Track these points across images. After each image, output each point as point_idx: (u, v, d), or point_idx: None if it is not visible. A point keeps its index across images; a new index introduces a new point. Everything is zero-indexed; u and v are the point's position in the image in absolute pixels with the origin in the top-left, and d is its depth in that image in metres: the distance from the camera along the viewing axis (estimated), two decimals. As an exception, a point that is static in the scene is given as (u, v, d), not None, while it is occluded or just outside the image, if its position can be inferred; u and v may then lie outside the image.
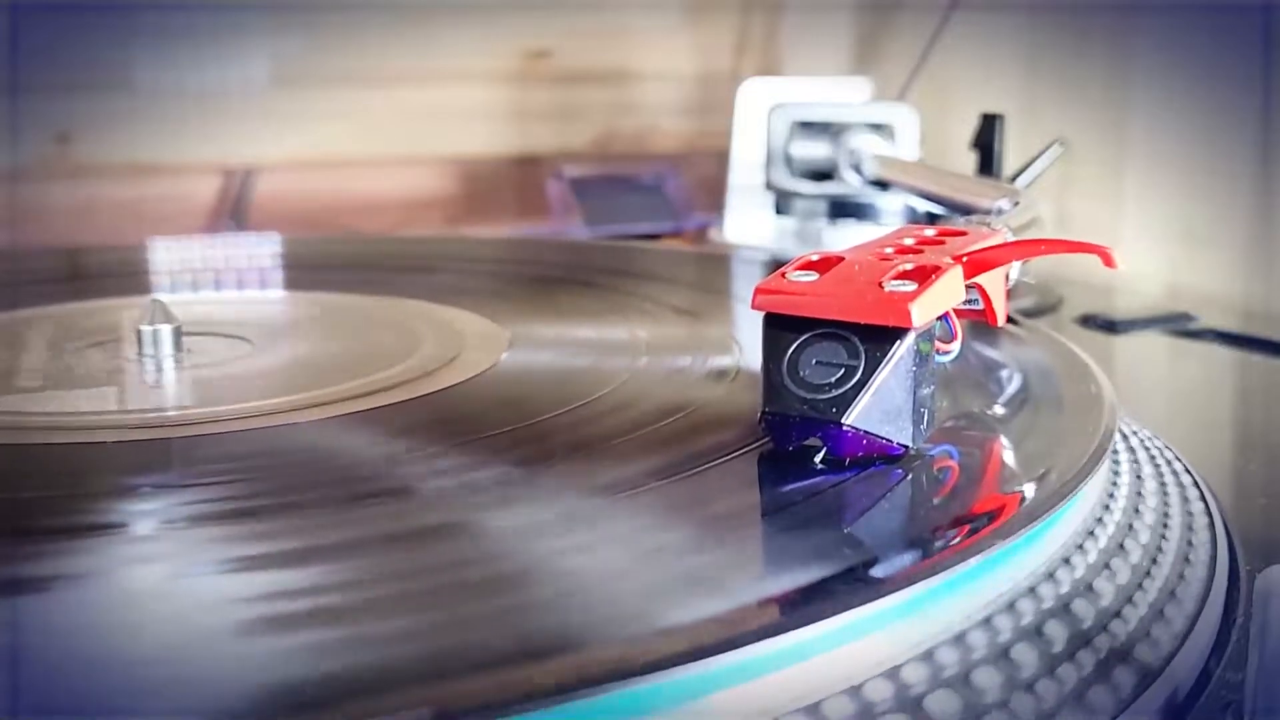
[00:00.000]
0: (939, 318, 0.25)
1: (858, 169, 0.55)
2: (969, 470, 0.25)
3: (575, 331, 0.39)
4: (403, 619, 0.18)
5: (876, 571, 0.20)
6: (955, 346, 0.26)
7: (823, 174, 0.58)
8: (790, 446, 0.24)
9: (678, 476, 0.24)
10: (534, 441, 0.27)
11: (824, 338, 0.24)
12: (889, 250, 0.27)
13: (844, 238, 0.57)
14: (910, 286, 0.24)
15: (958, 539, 0.21)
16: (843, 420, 0.23)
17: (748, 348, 0.34)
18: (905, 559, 0.21)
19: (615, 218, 0.73)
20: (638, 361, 0.34)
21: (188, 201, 0.73)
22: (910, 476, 0.24)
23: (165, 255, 0.55)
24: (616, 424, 0.28)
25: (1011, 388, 0.32)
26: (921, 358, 0.24)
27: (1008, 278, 0.29)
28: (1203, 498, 0.29)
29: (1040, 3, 0.69)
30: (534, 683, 0.16)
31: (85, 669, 0.17)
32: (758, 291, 0.24)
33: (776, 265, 0.26)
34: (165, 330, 0.34)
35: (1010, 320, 0.35)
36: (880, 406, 0.24)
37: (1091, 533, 0.24)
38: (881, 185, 0.54)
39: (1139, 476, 0.28)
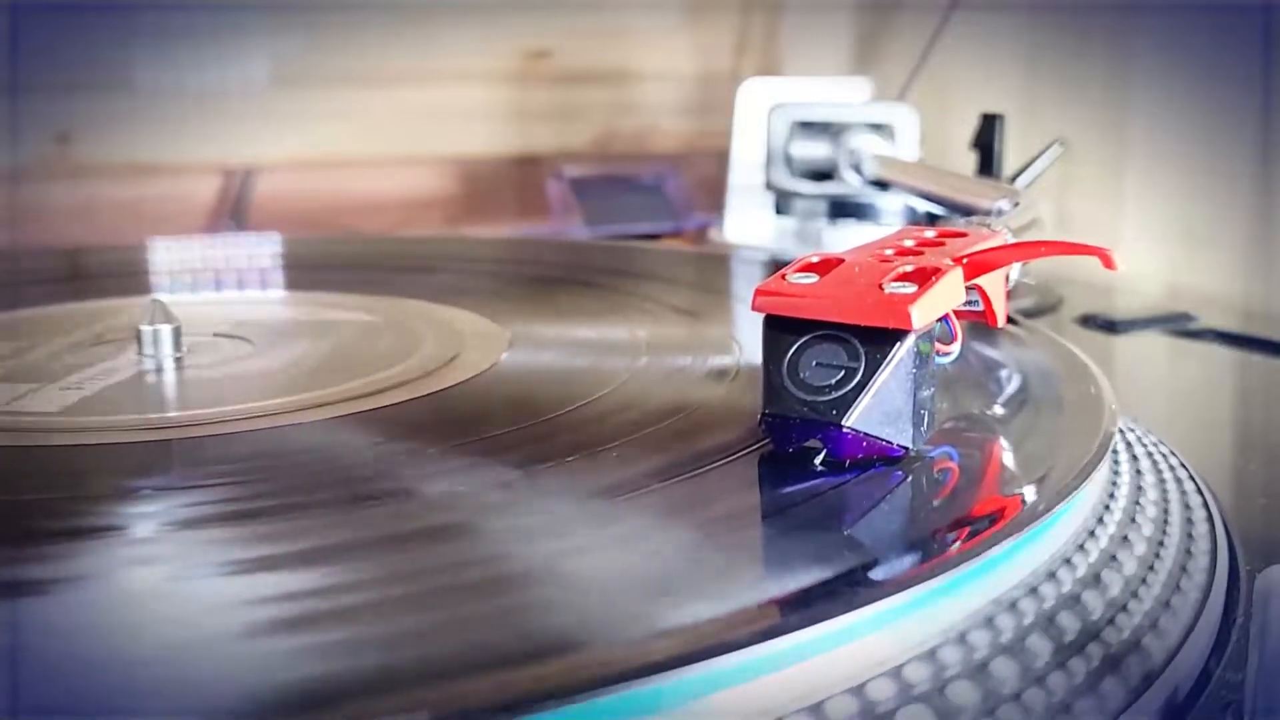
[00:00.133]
0: (939, 319, 0.25)
1: (858, 169, 0.55)
2: (969, 471, 0.25)
3: (575, 331, 0.39)
4: (403, 620, 0.18)
5: (878, 573, 0.20)
6: (955, 348, 0.26)
7: (823, 174, 0.58)
8: (790, 448, 0.24)
9: (678, 478, 0.24)
10: (534, 441, 0.27)
11: (824, 339, 0.24)
12: (889, 252, 0.27)
13: (844, 238, 0.57)
14: (910, 288, 0.24)
15: (959, 540, 0.21)
16: (843, 422, 0.23)
17: (748, 348, 0.34)
18: (907, 560, 0.21)
19: (615, 218, 0.73)
20: (638, 361, 0.34)
21: (188, 201, 0.73)
22: (911, 478, 0.24)
23: (165, 255, 0.55)
24: (617, 424, 0.28)
25: (1011, 388, 0.32)
26: (922, 359, 0.24)
27: (1008, 279, 0.29)
28: (1203, 498, 0.29)
29: (1040, 3, 0.69)
30: (536, 684, 0.16)
31: (86, 669, 0.17)
32: (758, 293, 0.24)
33: (776, 265, 0.26)
34: (165, 330, 0.34)
35: (1010, 320, 0.35)
36: (880, 408, 0.24)
37: (1092, 533, 0.24)
38: (881, 185, 0.54)
39: (1139, 476, 0.28)
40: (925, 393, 0.25)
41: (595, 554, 0.21)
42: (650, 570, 0.20)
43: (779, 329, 0.24)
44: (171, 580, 0.20)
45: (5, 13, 0.66)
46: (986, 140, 0.57)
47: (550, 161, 0.79)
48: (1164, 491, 0.28)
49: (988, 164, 0.57)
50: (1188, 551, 0.25)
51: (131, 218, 0.71)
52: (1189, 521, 0.27)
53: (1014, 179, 0.57)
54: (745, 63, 0.86)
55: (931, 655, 0.19)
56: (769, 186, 0.59)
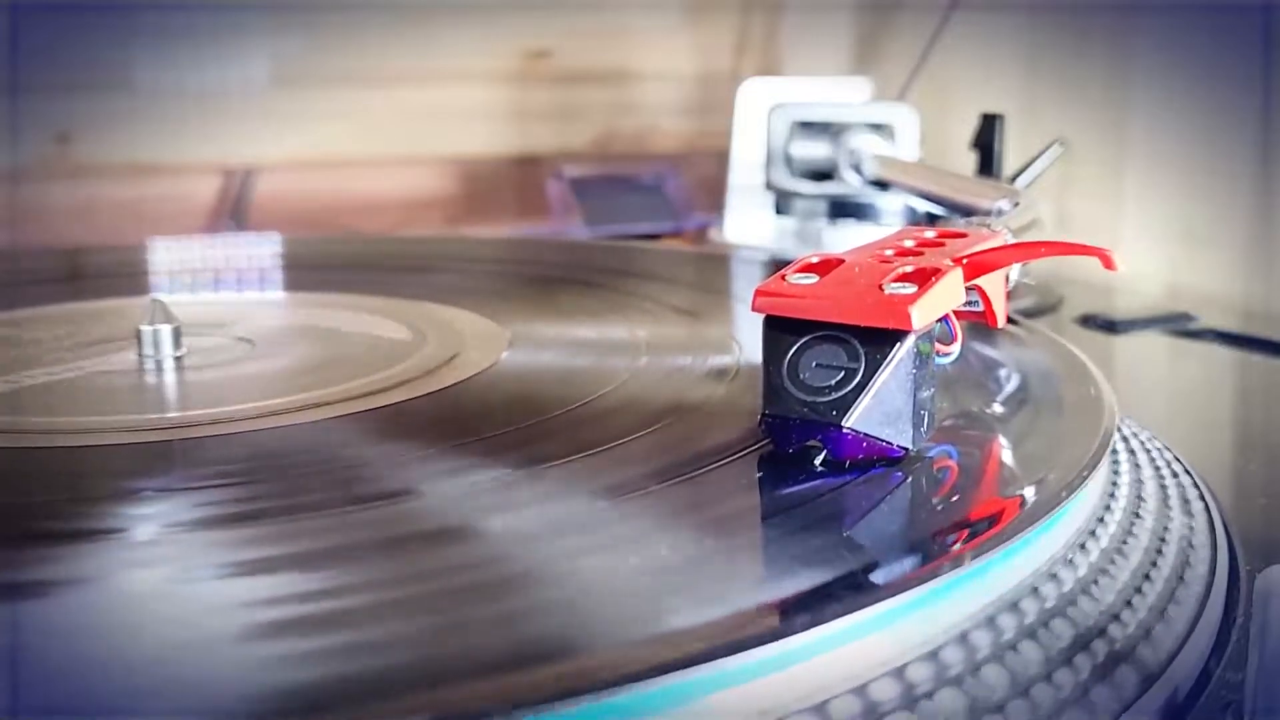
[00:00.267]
0: (939, 320, 0.25)
1: (858, 169, 0.55)
2: (970, 472, 0.25)
3: (575, 331, 0.39)
4: (403, 623, 0.18)
5: (880, 575, 0.20)
6: (955, 348, 0.26)
7: (823, 174, 0.58)
8: (790, 449, 0.24)
9: (678, 479, 0.24)
10: (534, 441, 0.27)
11: (824, 340, 0.24)
12: (889, 252, 0.27)
13: (844, 238, 0.57)
14: (910, 289, 0.24)
15: (960, 541, 0.21)
16: (843, 423, 0.23)
17: (748, 348, 0.34)
18: (908, 561, 0.21)
19: (615, 218, 0.73)
20: (638, 361, 0.34)
21: (188, 201, 0.73)
22: (911, 479, 0.24)
23: (165, 255, 0.55)
24: (617, 424, 0.28)
25: (1011, 389, 0.32)
26: (921, 360, 0.24)
27: (1008, 279, 0.29)
28: (1203, 498, 0.29)
29: (1040, 3, 0.69)
30: (536, 688, 0.16)
31: (86, 670, 0.17)
32: (758, 294, 0.24)
33: (776, 265, 0.26)
34: (165, 330, 0.34)
35: (1010, 321, 0.35)
36: (880, 409, 0.24)
37: (1093, 533, 0.24)
38: (881, 185, 0.54)
39: (1139, 476, 0.28)
40: (925, 393, 0.25)
41: (595, 555, 0.21)
42: (651, 571, 0.20)
43: (779, 329, 0.24)
44: (171, 581, 0.20)
45: (5, 13, 0.66)
46: (986, 140, 0.57)
47: (550, 161, 0.79)
48: (1164, 492, 0.28)
49: (988, 164, 0.57)
50: (1188, 551, 0.25)
51: (131, 218, 0.71)
52: (1189, 522, 0.27)
53: (1014, 179, 0.57)
54: (745, 63, 0.86)
55: (934, 655, 0.19)
56: (769, 186, 0.59)
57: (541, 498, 0.24)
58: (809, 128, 0.58)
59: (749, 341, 0.34)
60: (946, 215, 0.43)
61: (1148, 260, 0.62)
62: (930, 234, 0.29)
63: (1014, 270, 0.29)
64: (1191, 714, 0.21)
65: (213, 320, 0.40)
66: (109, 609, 0.19)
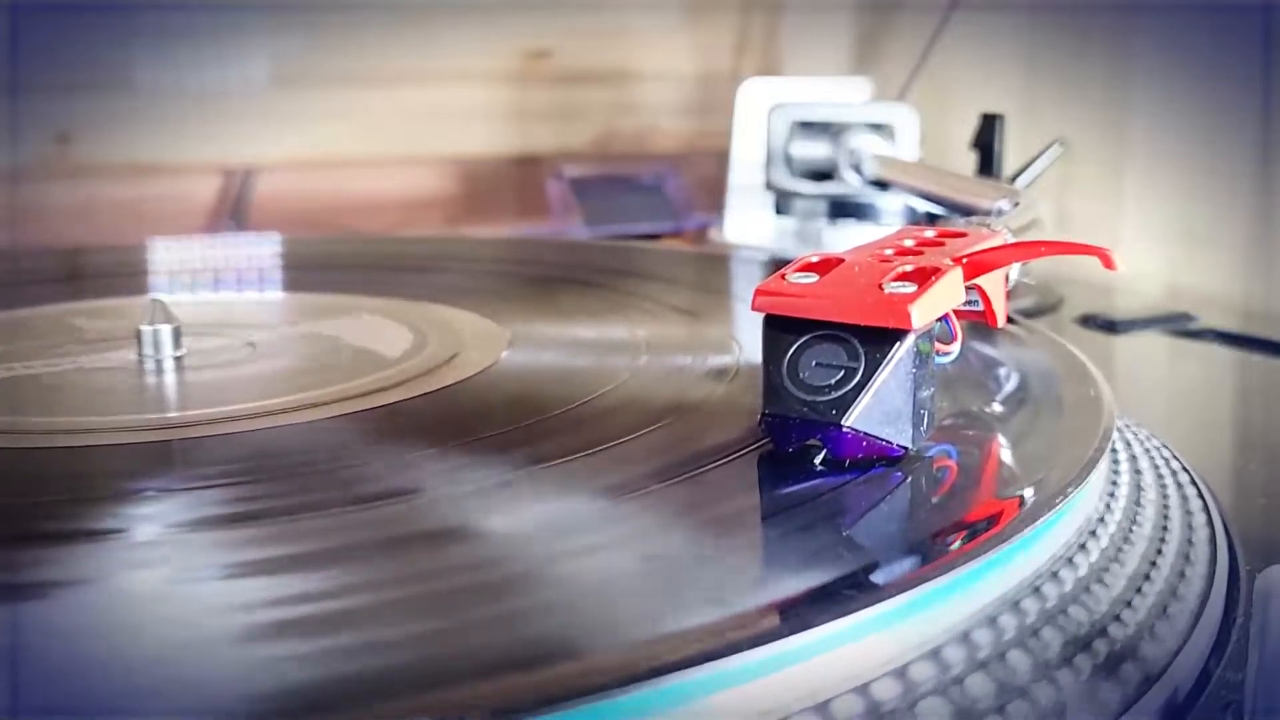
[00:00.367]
0: (939, 319, 0.25)
1: (858, 169, 0.55)
2: (970, 472, 0.25)
3: (575, 331, 0.39)
4: (402, 624, 0.18)
5: (880, 575, 0.20)
6: (955, 348, 0.26)
7: (823, 174, 0.58)
8: (790, 448, 0.24)
9: (678, 478, 0.24)
10: (534, 441, 0.27)
11: (824, 339, 0.24)
12: (889, 252, 0.27)
13: (844, 238, 0.57)
14: (910, 288, 0.24)
15: (960, 541, 0.21)
16: (843, 422, 0.23)
17: (747, 348, 0.34)
18: (909, 561, 0.21)
19: (615, 218, 0.73)
20: (637, 361, 0.34)
21: (188, 201, 0.73)
22: (911, 479, 0.24)
23: (165, 255, 0.55)
24: (617, 424, 0.28)
25: (1011, 388, 0.32)
26: (921, 359, 0.24)
27: (1008, 279, 0.29)
28: (1202, 498, 0.29)
29: (1040, 3, 0.69)
30: (538, 688, 0.16)
31: (86, 670, 0.17)
32: (757, 293, 0.24)
33: (776, 265, 0.26)
34: (165, 330, 0.34)
35: (1010, 320, 0.35)
36: (880, 408, 0.24)
37: (1093, 532, 0.24)
38: (881, 185, 0.54)
39: (1139, 476, 0.28)
40: (925, 393, 0.25)
41: (596, 555, 0.21)
42: (651, 571, 0.20)
43: (779, 329, 0.24)
44: (171, 582, 0.20)
45: (5, 13, 0.66)
46: (986, 140, 0.57)
47: (550, 161, 0.79)
48: (1164, 492, 0.28)
49: (988, 164, 0.57)
50: (1188, 552, 0.25)
51: (131, 218, 0.71)
52: (1189, 521, 0.27)
53: (1014, 179, 0.57)
54: (745, 63, 0.86)
55: (935, 655, 0.19)
56: (769, 186, 0.59)
57: (541, 496, 0.24)
58: (809, 128, 0.58)
59: (749, 341, 0.34)
60: (946, 215, 0.43)
61: (1148, 260, 0.62)
62: (930, 233, 0.29)
63: (1014, 270, 0.29)
64: (1191, 714, 0.21)
65: (213, 320, 0.40)
66: (109, 609, 0.19)
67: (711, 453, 0.25)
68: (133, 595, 0.20)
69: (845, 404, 0.23)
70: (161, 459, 0.27)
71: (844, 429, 0.23)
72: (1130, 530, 0.25)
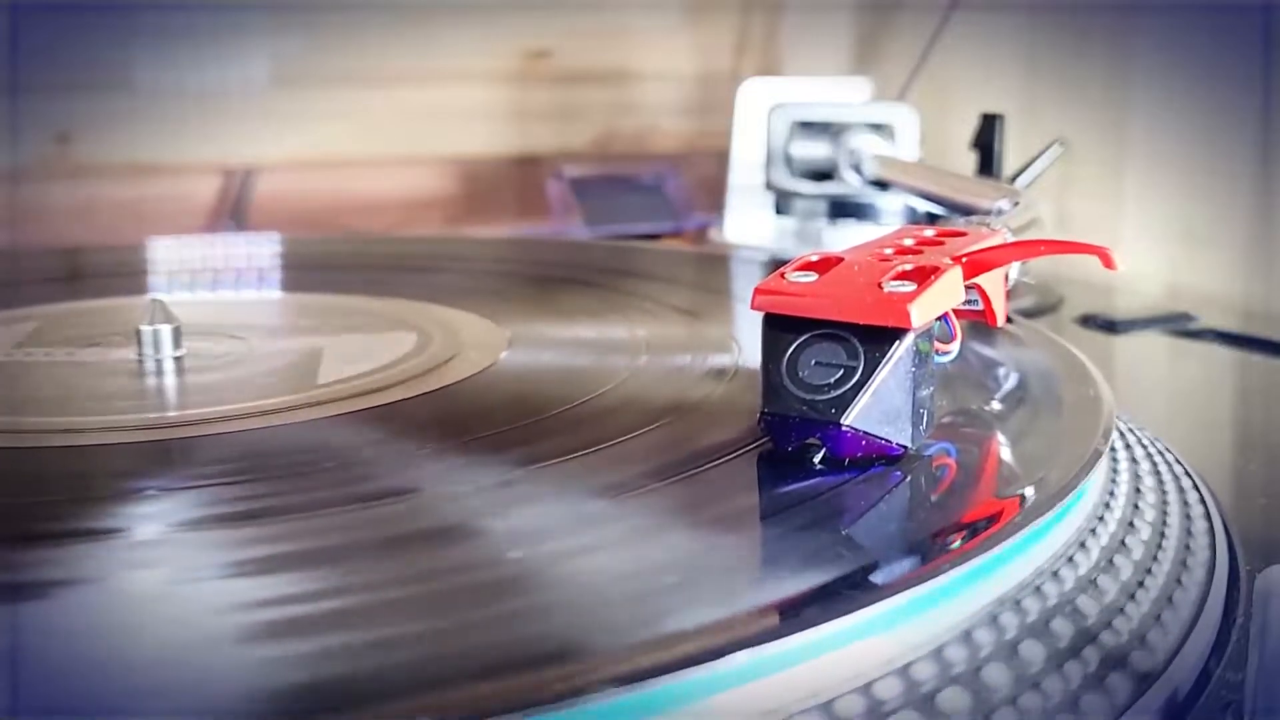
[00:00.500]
0: (938, 318, 0.25)
1: (858, 169, 0.55)
2: (970, 472, 0.25)
3: (575, 331, 0.39)
4: (402, 624, 0.18)
5: (880, 574, 0.20)
6: (954, 347, 0.26)
7: (823, 174, 0.58)
8: (789, 447, 0.24)
9: (678, 477, 0.24)
10: (533, 440, 0.27)
11: (823, 338, 0.24)
12: (888, 251, 0.27)
13: (844, 238, 0.57)
14: (909, 287, 0.24)
15: (961, 540, 0.21)
16: (842, 421, 0.23)
17: (747, 347, 0.34)
18: (909, 560, 0.21)
19: (615, 218, 0.73)
20: (637, 361, 0.34)
21: (188, 201, 0.73)
22: (911, 478, 0.24)
23: (165, 255, 0.55)
24: (616, 423, 0.28)
25: (1011, 388, 0.32)
26: (921, 358, 0.24)
27: (1007, 278, 0.29)
28: (1202, 498, 0.29)
29: (1040, 3, 0.69)
30: (539, 688, 0.16)
31: (86, 670, 0.17)
32: (757, 292, 0.24)
33: (776, 265, 0.26)
34: (165, 330, 0.34)
35: (1009, 320, 0.35)
36: (879, 407, 0.24)
37: (1092, 531, 0.24)
38: (881, 185, 0.54)
39: (1138, 476, 0.28)
40: (924, 392, 0.25)
41: (596, 554, 0.21)
42: (652, 571, 0.20)
43: (778, 328, 0.24)
44: (171, 581, 0.20)
45: (5, 13, 0.66)
46: (986, 140, 0.57)
47: (550, 161, 0.79)
48: (1163, 491, 0.28)
49: (988, 164, 0.57)
50: (1187, 551, 0.25)
51: (131, 218, 0.71)
52: (1188, 521, 0.27)
53: (1014, 179, 0.57)
54: (745, 63, 0.86)
55: (937, 654, 0.19)
56: (769, 186, 0.59)
57: (541, 496, 0.24)
58: (809, 128, 0.58)
59: (748, 341, 0.34)
60: (946, 215, 0.43)
61: (1148, 260, 0.62)
62: (930, 232, 0.29)
63: (1013, 269, 0.29)
64: (1191, 714, 0.21)
65: (213, 320, 0.40)
66: (109, 609, 0.19)
67: (711, 452, 0.25)
68: (132, 595, 0.20)
69: (844, 403, 0.23)
70: (161, 459, 0.27)
71: (843, 428, 0.23)
72: (1130, 530, 0.25)
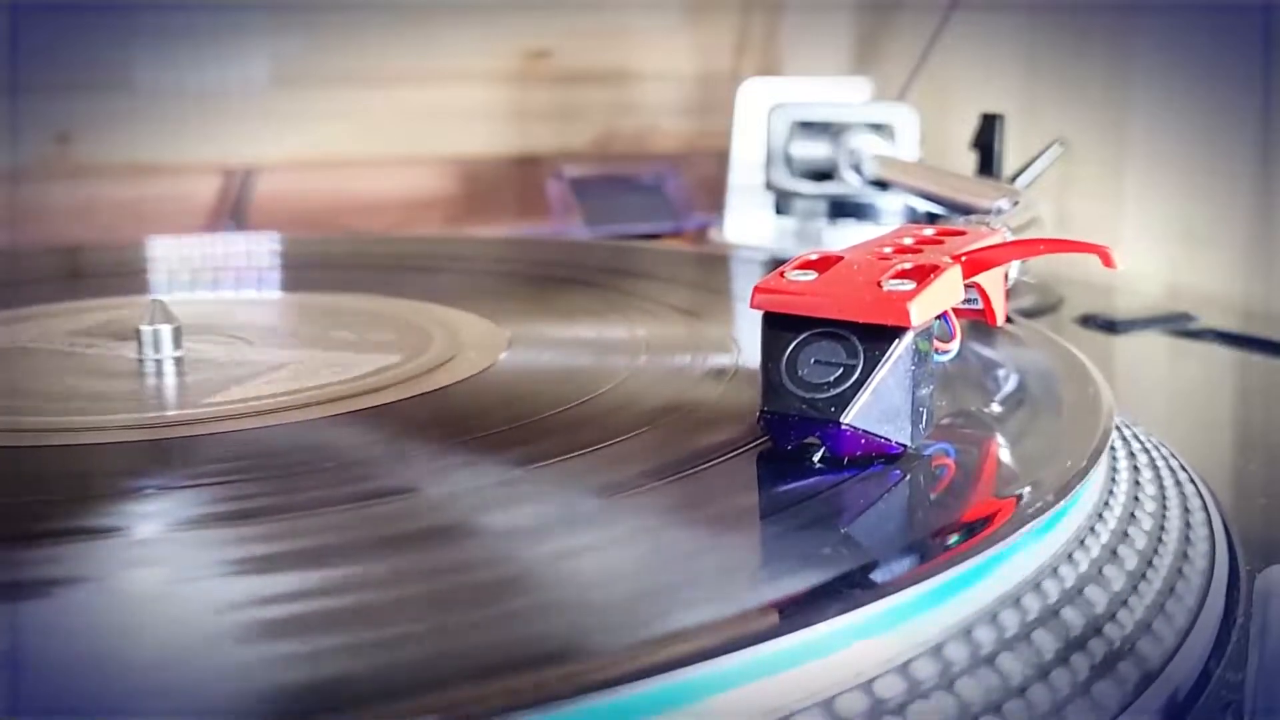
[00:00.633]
0: (938, 317, 0.25)
1: (858, 169, 0.55)
2: (970, 471, 0.25)
3: (575, 331, 0.39)
4: (402, 623, 0.18)
5: (880, 573, 0.20)
6: (954, 346, 0.26)
7: (823, 174, 0.58)
8: (789, 445, 0.24)
9: (677, 476, 0.24)
10: (533, 440, 0.27)
11: (823, 337, 0.24)
12: (888, 250, 0.27)
13: (844, 238, 0.57)
14: (909, 286, 0.24)
15: (960, 539, 0.21)
16: (841, 419, 0.23)
17: (747, 347, 0.34)
18: (909, 559, 0.21)
19: (615, 218, 0.73)
20: (637, 361, 0.34)
21: (188, 201, 0.73)
22: (910, 477, 0.24)
23: (165, 255, 0.55)
24: (616, 423, 0.28)
25: (1010, 388, 0.32)
26: (920, 357, 0.24)
27: (1007, 277, 0.29)
28: (1202, 498, 0.29)
29: (1040, 3, 0.69)
30: (540, 687, 0.16)
31: (86, 670, 0.17)
32: (756, 290, 0.24)
33: (776, 265, 0.26)
34: (165, 330, 0.34)
35: (1009, 320, 0.35)
36: (879, 406, 0.24)
37: (1092, 529, 0.24)
38: (881, 185, 0.54)
39: (1138, 476, 0.28)
40: (924, 390, 0.25)
41: (596, 554, 0.21)
42: (652, 570, 0.20)
43: (778, 326, 0.24)
44: (171, 581, 0.20)
45: (5, 13, 0.66)
46: (986, 140, 0.57)
47: (550, 161, 0.79)
48: (1163, 491, 0.28)
49: (988, 164, 0.57)
50: (1187, 551, 0.25)
51: (131, 218, 0.71)
52: (1188, 521, 0.27)
53: (1014, 179, 0.57)
54: (745, 63, 0.86)
55: (937, 652, 0.19)
56: (769, 186, 0.59)
57: (541, 495, 0.24)
58: (809, 128, 0.58)
59: (748, 341, 0.34)
60: (946, 215, 0.43)
61: (1148, 260, 0.62)
62: (929, 231, 0.29)
63: (1013, 268, 0.29)
64: (1191, 714, 0.21)
65: (212, 320, 0.40)
66: (109, 609, 0.19)
67: (710, 451, 0.25)
68: (132, 594, 0.20)
69: (844, 401, 0.23)
70: (161, 458, 0.27)
71: (843, 426, 0.23)
72: (1129, 529, 0.25)
